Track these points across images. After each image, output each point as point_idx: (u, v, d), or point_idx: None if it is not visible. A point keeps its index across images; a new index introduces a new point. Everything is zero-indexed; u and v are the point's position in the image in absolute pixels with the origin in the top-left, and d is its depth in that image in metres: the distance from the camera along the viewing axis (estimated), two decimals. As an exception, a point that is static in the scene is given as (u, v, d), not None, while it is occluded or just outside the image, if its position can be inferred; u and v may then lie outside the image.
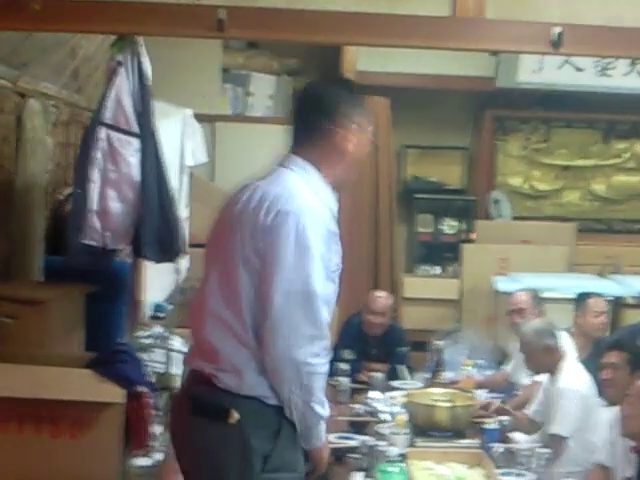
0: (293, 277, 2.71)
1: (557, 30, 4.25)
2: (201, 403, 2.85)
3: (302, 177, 2.89)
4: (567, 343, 5.91)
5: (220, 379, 2.80)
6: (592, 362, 5.15)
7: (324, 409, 2.85)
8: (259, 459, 2.77)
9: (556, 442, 4.79)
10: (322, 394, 2.83)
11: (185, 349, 6.17)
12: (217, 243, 2.97)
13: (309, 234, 2.72)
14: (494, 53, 8.34)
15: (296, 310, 2.71)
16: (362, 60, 8.77)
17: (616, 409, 4.41)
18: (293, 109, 3.08)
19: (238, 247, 2.80)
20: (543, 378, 5.30)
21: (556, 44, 4.27)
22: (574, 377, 4.99)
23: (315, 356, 2.75)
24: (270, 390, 2.79)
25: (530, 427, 5.16)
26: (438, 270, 9.89)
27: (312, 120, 2.98)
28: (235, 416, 2.77)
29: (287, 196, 2.78)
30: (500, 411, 5.15)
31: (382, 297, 6.72)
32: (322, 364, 2.78)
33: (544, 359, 5.11)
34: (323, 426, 2.90)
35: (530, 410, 5.23)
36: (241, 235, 2.81)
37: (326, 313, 2.78)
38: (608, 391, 4.67)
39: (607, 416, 4.68)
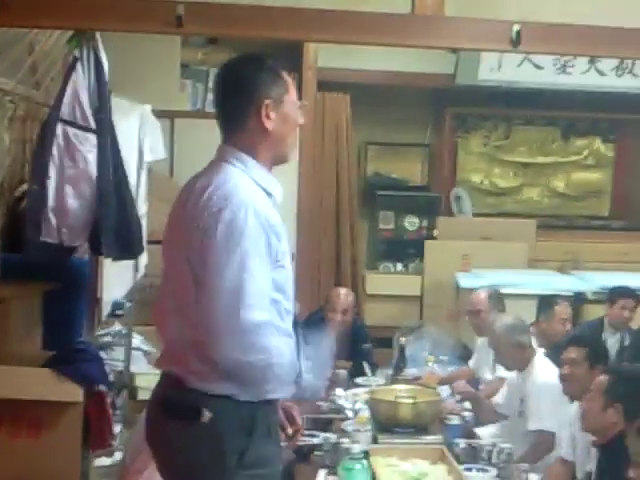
0: (225, 276, 2.66)
1: (516, 28, 4.27)
2: (173, 405, 2.82)
3: (239, 168, 2.82)
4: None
5: (189, 380, 2.77)
6: (552, 361, 5.18)
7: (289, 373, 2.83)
8: (234, 456, 2.75)
9: (545, 438, 4.79)
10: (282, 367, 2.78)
11: (145, 347, 6.15)
12: (166, 248, 2.95)
13: (240, 231, 2.67)
14: (454, 50, 8.37)
15: (230, 308, 2.66)
16: (323, 56, 8.76)
17: (576, 404, 4.44)
18: (213, 96, 2.99)
19: (181, 252, 2.77)
20: (508, 374, 5.32)
21: (515, 42, 4.29)
22: (549, 371, 5.00)
23: (265, 350, 2.71)
24: (240, 387, 2.76)
25: (495, 417, 5.18)
26: (400, 267, 9.91)
27: (229, 104, 2.90)
28: (207, 415, 2.74)
29: (218, 194, 2.71)
30: (466, 394, 5.17)
31: (344, 294, 6.71)
32: (273, 349, 2.73)
33: (515, 355, 5.11)
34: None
35: (494, 402, 5.25)
36: (184, 241, 2.77)
37: (265, 310, 2.73)
38: (568, 386, 4.69)
39: (569, 411, 4.72)
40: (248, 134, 2.86)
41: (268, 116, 2.85)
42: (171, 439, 2.83)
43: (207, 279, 2.69)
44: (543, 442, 4.77)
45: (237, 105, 2.87)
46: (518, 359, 5.13)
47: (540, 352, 5.20)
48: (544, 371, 5.00)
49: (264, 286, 2.73)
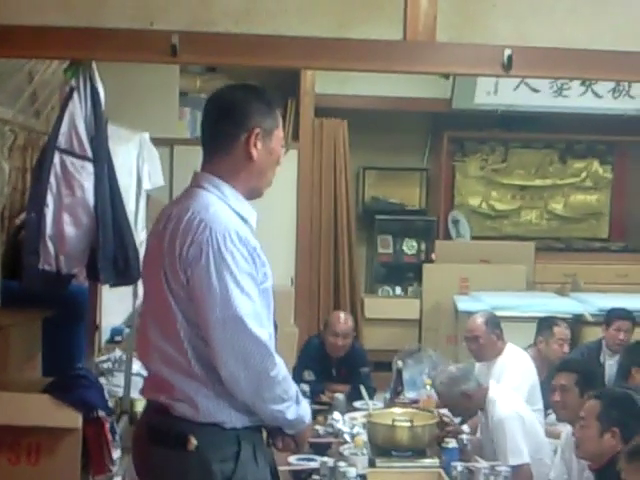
0: (222, 303, 2.69)
1: (507, 52, 4.31)
2: (159, 432, 2.84)
3: (216, 194, 2.84)
4: (529, 364, 5.94)
5: (176, 408, 2.80)
6: (549, 384, 5.17)
7: (290, 408, 2.86)
8: None
9: (522, 471, 4.76)
10: (283, 394, 2.82)
11: (144, 372, 6.16)
12: (146, 276, 2.97)
13: (229, 257, 2.69)
14: (445, 76, 8.42)
15: (234, 336, 2.70)
16: (320, 82, 8.83)
17: (569, 427, 4.46)
18: (202, 120, 3.01)
19: (164, 282, 2.78)
20: None
21: (507, 66, 4.33)
22: (506, 403, 4.95)
23: (267, 370, 2.76)
24: (226, 415, 2.80)
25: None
26: (399, 290, 9.94)
27: (219, 128, 2.91)
28: (193, 443, 2.77)
29: (198, 221, 2.73)
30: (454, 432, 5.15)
31: (344, 319, 6.72)
32: (274, 373, 2.78)
33: (466, 404, 5.03)
34: (297, 416, 2.89)
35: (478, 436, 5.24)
36: (164, 269, 2.78)
37: (266, 328, 2.78)
38: (560, 413, 4.70)
39: (564, 433, 4.73)
40: (232, 160, 2.88)
41: (255, 144, 2.87)
42: (158, 467, 2.85)
43: (204, 309, 2.72)
44: (521, 476, 4.72)
45: (227, 129, 2.89)
46: (470, 407, 5.08)
47: (493, 386, 5.14)
48: (501, 405, 4.93)
49: (259, 304, 2.78)
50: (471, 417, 5.30)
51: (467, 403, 5.02)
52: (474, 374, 5.20)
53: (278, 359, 2.80)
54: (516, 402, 5.05)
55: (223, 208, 2.81)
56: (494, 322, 6.15)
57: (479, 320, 6.17)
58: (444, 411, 5.80)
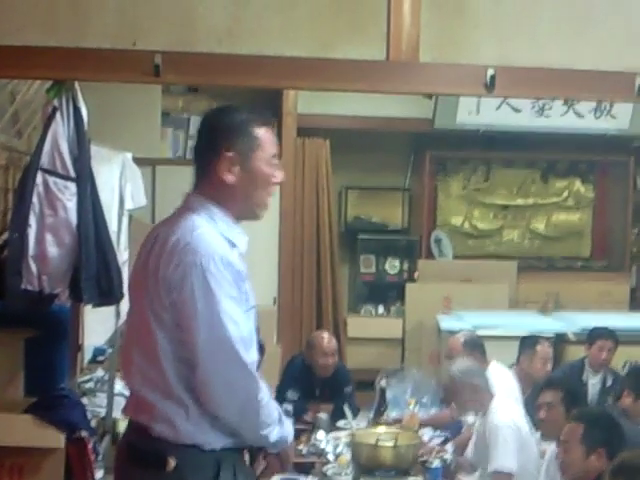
0: (208, 328, 2.69)
1: (490, 72, 4.32)
2: (139, 452, 2.84)
3: (204, 217, 2.82)
4: (512, 382, 5.96)
5: (155, 429, 2.79)
6: (532, 402, 5.19)
7: (274, 431, 2.86)
8: None
9: (502, 479, 4.78)
10: (266, 419, 2.83)
11: (127, 392, 6.14)
12: (131, 298, 2.97)
13: (214, 281, 2.69)
14: (428, 96, 8.45)
15: (221, 359, 2.71)
16: (303, 102, 8.84)
17: (554, 443, 4.46)
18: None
19: (146, 303, 2.78)
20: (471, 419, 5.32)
21: (489, 86, 4.34)
22: (506, 412, 4.98)
23: (252, 395, 2.76)
24: (206, 437, 2.79)
25: (472, 469, 5.16)
26: (382, 309, 9.95)
27: (198, 153, 2.94)
28: (172, 464, 2.76)
29: (183, 245, 2.72)
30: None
31: (329, 337, 6.73)
32: (260, 397, 2.79)
33: (469, 397, 5.08)
34: (280, 437, 2.90)
35: (468, 453, 5.24)
36: (147, 291, 2.78)
37: (250, 353, 2.78)
38: (546, 430, 4.71)
39: (549, 449, 4.73)
40: (212, 185, 2.87)
41: (229, 170, 2.84)
42: None
43: (190, 333, 2.71)
44: None
45: (203, 155, 2.90)
46: (473, 402, 5.11)
47: (499, 395, 5.17)
48: (501, 412, 4.96)
49: (246, 328, 2.77)
50: (466, 412, 5.31)
51: (471, 396, 5.08)
52: (488, 376, 5.24)
53: (262, 383, 2.81)
54: (516, 413, 5.07)
55: (210, 231, 2.80)
56: (474, 343, 6.19)
57: (458, 340, 6.22)
58: (426, 430, 5.83)
